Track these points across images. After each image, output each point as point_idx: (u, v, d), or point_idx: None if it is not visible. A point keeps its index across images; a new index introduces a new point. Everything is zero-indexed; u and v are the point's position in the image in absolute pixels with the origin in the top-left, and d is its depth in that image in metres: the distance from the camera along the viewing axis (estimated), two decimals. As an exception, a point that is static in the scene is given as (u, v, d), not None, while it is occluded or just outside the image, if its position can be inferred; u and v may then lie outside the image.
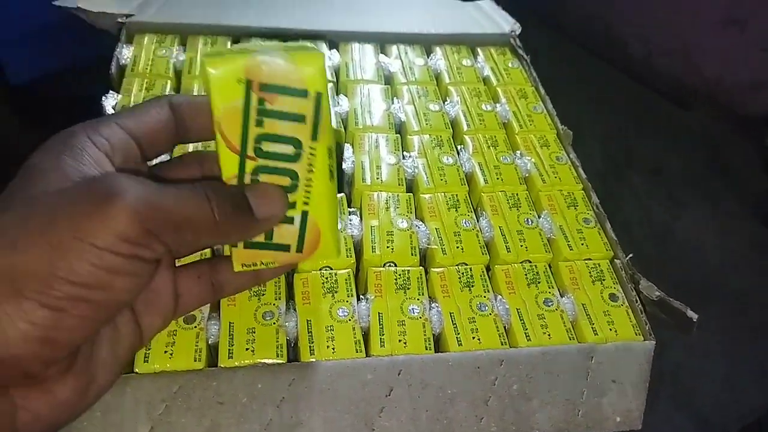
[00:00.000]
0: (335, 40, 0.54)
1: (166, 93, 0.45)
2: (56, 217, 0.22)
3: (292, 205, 0.28)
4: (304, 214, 0.29)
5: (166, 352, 0.32)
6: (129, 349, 0.29)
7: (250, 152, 0.27)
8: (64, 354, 0.24)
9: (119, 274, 0.23)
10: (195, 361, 0.32)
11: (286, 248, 0.29)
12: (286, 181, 0.28)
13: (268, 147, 0.27)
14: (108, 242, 0.22)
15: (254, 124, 0.27)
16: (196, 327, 0.33)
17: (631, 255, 0.40)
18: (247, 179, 0.27)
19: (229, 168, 0.27)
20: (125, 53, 0.48)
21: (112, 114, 0.28)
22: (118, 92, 0.45)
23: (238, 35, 0.52)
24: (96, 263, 0.22)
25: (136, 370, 0.32)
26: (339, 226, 0.38)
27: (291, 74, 0.26)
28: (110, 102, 0.43)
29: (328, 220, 0.29)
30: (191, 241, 0.26)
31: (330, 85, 0.49)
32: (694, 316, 0.36)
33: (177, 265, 0.30)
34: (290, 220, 0.29)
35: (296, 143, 0.27)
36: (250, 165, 0.27)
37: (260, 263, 0.29)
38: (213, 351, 0.33)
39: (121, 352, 0.28)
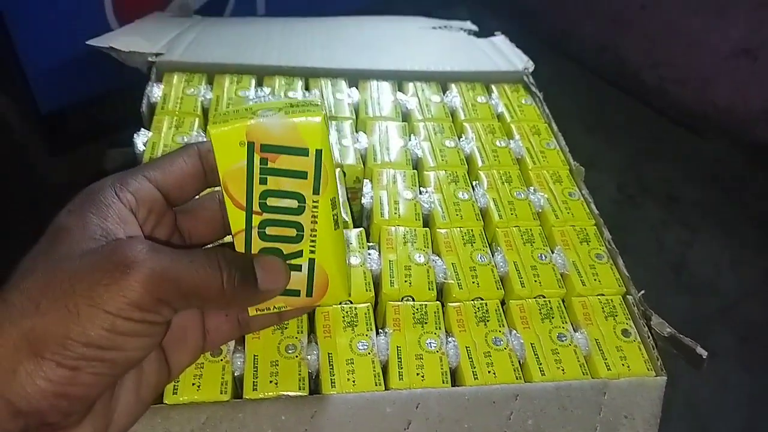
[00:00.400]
0: (354, 78, 0.55)
1: (194, 130, 0.47)
2: (75, 283, 0.24)
3: (299, 254, 0.30)
4: (311, 262, 0.30)
5: (193, 384, 0.34)
6: (155, 388, 0.30)
7: (256, 208, 0.29)
8: (82, 407, 0.25)
9: (131, 336, 0.25)
10: (221, 393, 0.33)
11: (296, 293, 0.31)
12: (291, 232, 0.29)
13: (272, 202, 0.29)
14: (121, 310, 0.24)
15: (258, 182, 0.28)
16: (222, 360, 0.35)
17: (643, 291, 0.41)
18: (254, 233, 0.29)
19: (236, 224, 0.29)
20: (155, 92, 0.50)
21: (143, 165, 0.30)
22: (148, 129, 0.47)
23: (262, 74, 0.54)
24: (108, 328, 0.24)
25: (165, 401, 0.33)
26: (356, 262, 0.40)
27: (291, 134, 0.28)
28: (141, 139, 0.45)
29: (335, 266, 0.31)
30: (197, 306, 0.29)
31: (349, 122, 0.51)
32: (704, 353, 0.37)
33: None
34: (298, 268, 0.31)
35: (299, 197, 0.29)
36: (256, 219, 0.29)
37: (273, 308, 0.31)
38: (238, 383, 0.35)
39: (146, 392, 0.29)
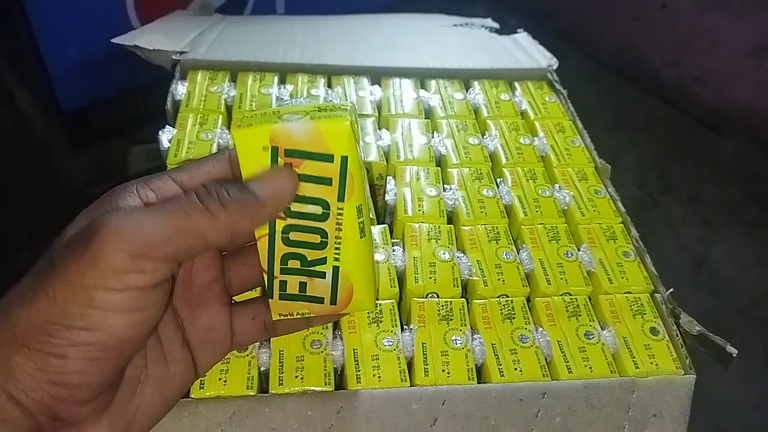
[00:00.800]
0: (377, 76, 0.55)
1: (218, 127, 0.47)
2: (54, 267, 0.23)
3: (323, 261, 0.30)
4: (335, 270, 0.30)
5: (220, 379, 0.34)
6: (180, 387, 0.30)
7: (281, 213, 0.28)
8: (87, 395, 0.24)
9: (117, 311, 0.23)
10: (247, 388, 0.34)
11: (320, 300, 0.31)
12: (315, 238, 0.29)
13: (296, 207, 0.28)
14: (96, 280, 0.23)
15: None
16: (248, 355, 0.35)
17: (672, 290, 0.40)
18: (278, 237, 0.29)
19: (260, 228, 0.28)
20: (180, 89, 0.50)
21: (170, 168, 0.29)
22: (173, 126, 0.47)
23: (285, 71, 0.54)
24: (88, 304, 0.23)
25: (192, 395, 0.33)
26: (381, 258, 0.40)
27: (316, 140, 0.27)
28: (166, 136, 0.46)
29: (361, 275, 0.30)
30: (198, 245, 0.25)
31: (372, 119, 0.51)
32: (734, 351, 0.37)
33: (234, 302, 0.32)
34: (322, 275, 0.30)
35: (324, 204, 0.28)
36: (280, 224, 0.28)
37: (296, 313, 0.31)
38: (264, 378, 0.35)
39: (171, 391, 0.29)
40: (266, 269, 0.30)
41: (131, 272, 0.23)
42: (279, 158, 0.27)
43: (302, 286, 0.30)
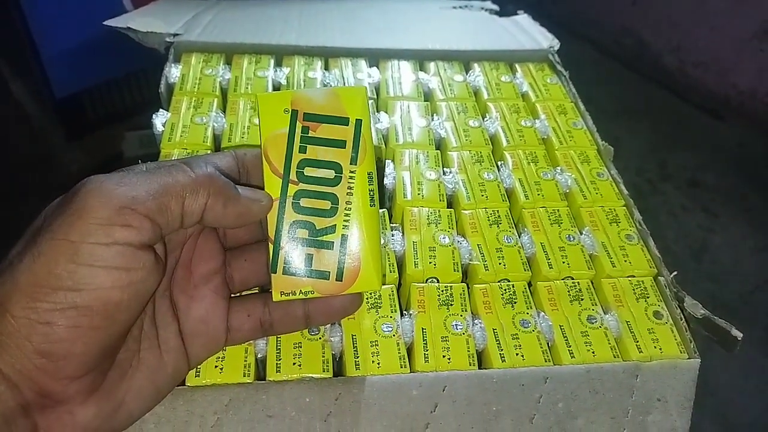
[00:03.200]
0: (375, 58, 0.54)
1: (213, 110, 0.46)
2: (41, 227, 0.23)
3: (332, 229, 0.29)
4: (344, 239, 0.29)
5: (216, 366, 0.33)
6: (172, 377, 0.29)
7: (293, 177, 0.28)
8: (73, 368, 0.24)
9: (103, 268, 0.23)
10: (244, 376, 0.33)
11: (325, 275, 0.29)
12: (326, 204, 0.29)
13: (310, 172, 0.28)
14: (82, 232, 0.22)
15: (298, 150, 0.28)
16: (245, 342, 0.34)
17: (675, 273, 0.40)
18: (288, 203, 0.29)
19: (272, 191, 0.28)
20: (174, 72, 0.49)
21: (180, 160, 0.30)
22: (167, 110, 0.46)
23: (281, 54, 0.53)
24: (74, 259, 0.22)
25: (188, 383, 0.32)
26: (381, 243, 0.39)
27: (334, 104, 0.28)
28: (160, 120, 0.45)
29: (368, 249, 0.30)
30: (177, 205, 0.25)
31: (370, 101, 0.50)
32: (739, 335, 0.36)
33: (232, 297, 0.31)
34: (330, 245, 0.29)
35: (337, 167, 0.28)
36: (292, 189, 0.29)
37: (300, 292, 0.29)
38: (261, 365, 0.34)
39: (162, 380, 0.28)
40: (273, 238, 0.29)
41: (117, 225, 0.23)
42: (298, 121, 0.28)
43: (308, 258, 0.29)
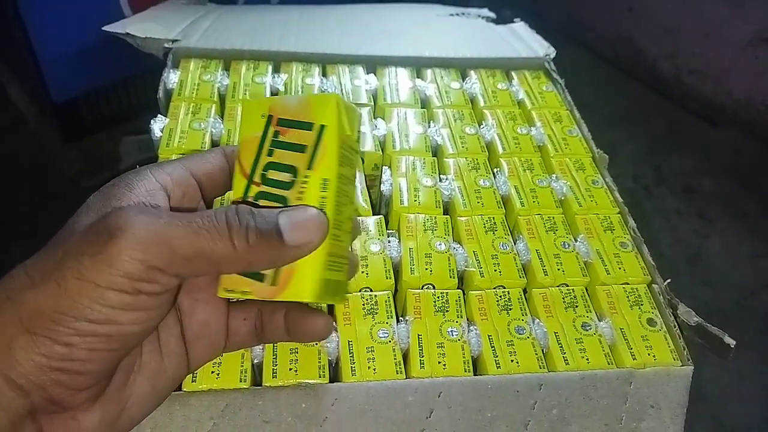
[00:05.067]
0: (372, 65, 0.55)
1: (211, 116, 0.47)
2: (64, 256, 0.23)
3: None
4: None
5: (212, 372, 0.33)
6: (172, 380, 0.29)
7: (257, 178, 0.29)
8: (86, 382, 0.24)
9: (125, 309, 0.24)
10: (240, 381, 0.33)
11: (261, 278, 0.28)
12: (277, 207, 0.28)
13: (271, 174, 0.28)
14: (109, 281, 0.23)
15: (266, 154, 0.29)
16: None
17: (669, 280, 0.40)
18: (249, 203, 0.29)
19: (237, 191, 0.29)
20: (172, 78, 0.50)
21: (177, 159, 0.30)
22: (165, 115, 0.46)
23: (279, 60, 0.53)
24: (99, 301, 0.23)
25: (184, 388, 0.32)
26: (376, 249, 0.39)
27: (304, 110, 0.28)
28: (158, 125, 0.45)
29: (311, 256, 0.27)
30: (210, 270, 0.25)
31: (367, 108, 0.50)
32: (732, 342, 0.36)
33: (230, 302, 0.31)
34: None
35: (294, 171, 0.28)
36: (254, 190, 0.29)
37: (241, 291, 0.28)
38: (257, 370, 0.34)
39: (162, 384, 0.29)
40: None
41: (144, 281, 0.23)
42: (271, 126, 0.29)
43: None
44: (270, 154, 0.28)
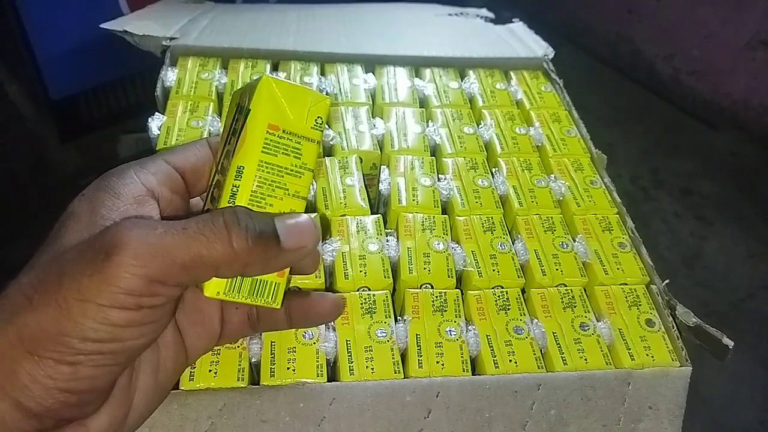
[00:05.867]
0: (371, 64, 0.55)
1: (209, 114, 0.46)
2: (62, 277, 0.23)
3: None
4: None
5: (210, 371, 0.33)
6: (173, 373, 0.29)
7: (218, 166, 0.29)
8: (92, 398, 0.24)
9: (129, 326, 0.23)
10: (238, 380, 0.33)
11: None
12: (216, 194, 0.28)
13: (224, 163, 0.28)
14: (111, 299, 0.22)
15: (225, 141, 0.29)
16: (239, 347, 0.34)
17: (667, 281, 0.40)
18: (210, 189, 0.29)
19: (211, 179, 0.29)
20: (170, 76, 0.49)
21: (159, 153, 0.29)
22: (163, 114, 0.46)
23: (278, 59, 0.53)
24: (102, 321, 0.23)
25: (182, 387, 0.32)
26: (375, 248, 0.39)
27: (248, 95, 0.28)
28: (156, 123, 0.45)
29: None
30: (209, 275, 0.25)
31: (366, 107, 0.50)
32: (730, 344, 0.36)
33: None
34: None
35: (229, 156, 0.28)
36: (215, 178, 0.29)
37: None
38: (255, 370, 0.34)
39: (164, 378, 0.29)
40: None
41: (146, 296, 0.23)
42: (237, 113, 0.29)
43: None
44: (228, 141, 0.28)
